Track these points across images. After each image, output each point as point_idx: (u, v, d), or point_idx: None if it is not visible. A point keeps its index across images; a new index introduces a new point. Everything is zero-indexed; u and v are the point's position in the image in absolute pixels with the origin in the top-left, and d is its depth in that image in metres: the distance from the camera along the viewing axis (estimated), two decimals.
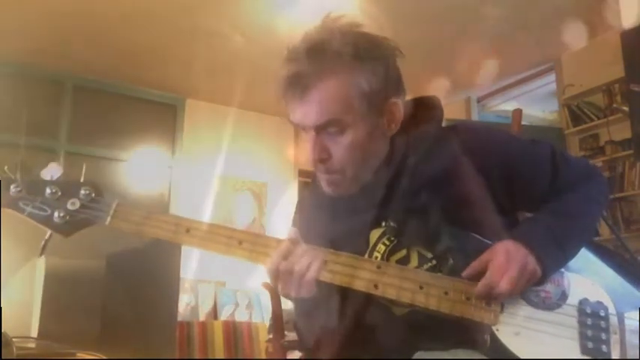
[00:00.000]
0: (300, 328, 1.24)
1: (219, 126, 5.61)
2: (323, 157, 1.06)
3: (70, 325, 1.92)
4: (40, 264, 2.01)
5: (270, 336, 3.62)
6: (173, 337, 2.57)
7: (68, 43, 4.70)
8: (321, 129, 1.05)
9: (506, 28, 4.36)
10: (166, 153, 5.74)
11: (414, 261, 1.09)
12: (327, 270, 1.00)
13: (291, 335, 3.08)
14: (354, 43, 1.05)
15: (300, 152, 5.95)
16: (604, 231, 3.37)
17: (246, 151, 5.87)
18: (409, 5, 4.09)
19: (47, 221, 1.03)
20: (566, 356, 1.00)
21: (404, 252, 1.10)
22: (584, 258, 1.10)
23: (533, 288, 1.02)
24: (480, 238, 1.04)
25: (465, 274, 1.00)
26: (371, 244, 1.11)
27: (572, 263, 1.07)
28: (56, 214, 1.03)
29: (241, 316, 5.22)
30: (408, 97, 1.15)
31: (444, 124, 1.16)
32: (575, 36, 4.42)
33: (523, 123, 2.99)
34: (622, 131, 4.29)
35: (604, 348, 1.02)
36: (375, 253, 1.10)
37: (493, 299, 0.99)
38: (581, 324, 1.02)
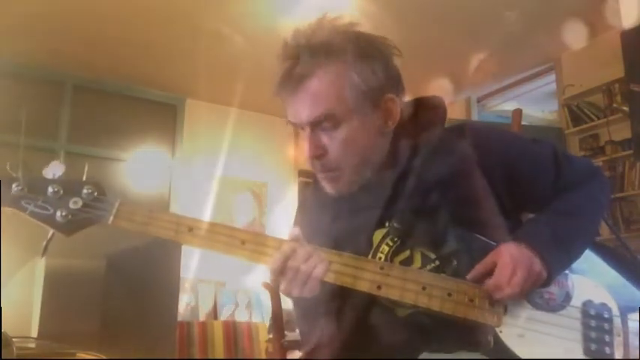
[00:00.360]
0: (301, 329, 1.23)
1: (219, 126, 5.60)
2: (318, 154, 1.06)
3: (70, 325, 1.92)
4: (40, 264, 2.01)
5: (270, 336, 3.62)
6: (173, 337, 2.57)
7: (68, 43, 4.69)
8: (315, 125, 1.05)
9: (507, 29, 4.35)
10: (166, 153, 5.74)
11: (418, 262, 1.09)
12: (330, 270, 0.99)
13: (291, 335, 3.08)
14: (347, 38, 1.05)
15: (300, 152, 5.94)
16: (604, 231, 3.36)
17: (246, 151, 5.87)
18: (410, 6, 4.08)
19: (49, 220, 1.02)
20: (569, 358, 1.00)
21: (407, 253, 1.09)
22: (588, 259, 1.09)
23: (538, 289, 1.02)
24: (484, 239, 1.04)
25: (469, 276, 1.00)
26: (374, 245, 1.11)
27: (576, 265, 1.07)
28: (58, 213, 1.02)
29: (241, 316, 5.22)
30: (409, 97, 1.15)
31: (445, 124, 1.16)
32: (575, 36, 4.41)
33: (523, 123, 2.99)
34: (622, 131, 4.28)
35: (607, 350, 1.02)
36: (379, 254, 1.10)
37: (499, 301, 0.99)
38: (585, 326, 1.02)
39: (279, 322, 3.10)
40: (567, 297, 1.04)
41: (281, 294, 1.07)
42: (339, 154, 1.06)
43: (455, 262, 1.03)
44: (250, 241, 1.02)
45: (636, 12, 3.50)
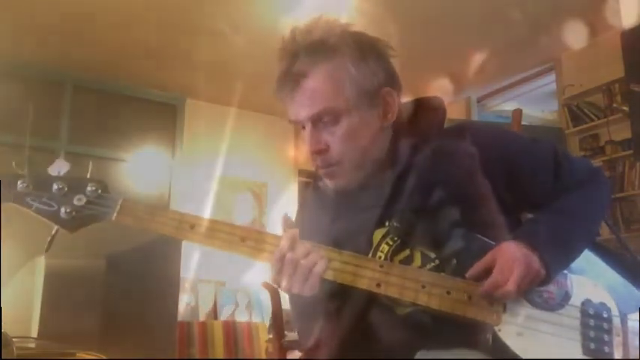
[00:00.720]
0: (299, 328, 1.24)
1: (219, 126, 5.60)
2: (320, 149, 1.07)
3: (70, 325, 1.92)
4: (40, 264, 2.01)
5: (270, 336, 3.63)
6: (173, 337, 2.57)
7: (68, 43, 4.70)
8: (315, 121, 1.07)
9: (507, 29, 4.36)
10: (166, 153, 5.74)
11: (418, 261, 1.09)
12: (330, 268, 1.00)
13: (291, 335, 3.08)
14: (343, 36, 1.08)
15: (300, 152, 5.95)
16: (604, 231, 3.36)
17: (246, 151, 5.87)
18: (410, 6, 4.09)
19: (54, 217, 1.03)
20: (568, 357, 1.00)
21: (407, 252, 1.10)
22: (587, 259, 1.09)
23: (536, 288, 1.02)
24: (484, 239, 1.03)
25: (468, 274, 1.00)
26: (374, 244, 1.11)
27: (575, 264, 1.07)
28: (63, 209, 1.03)
29: (241, 316, 5.22)
30: (409, 98, 1.16)
31: (445, 124, 1.16)
32: (575, 36, 4.42)
33: (523, 123, 2.99)
34: (622, 131, 4.29)
35: (606, 349, 1.01)
36: (379, 253, 1.10)
37: (498, 300, 0.99)
38: (584, 325, 1.02)
39: (279, 322, 3.10)
40: (566, 296, 1.04)
41: (281, 293, 1.08)
42: (340, 149, 1.07)
43: (454, 261, 1.03)
44: (250, 238, 1.03)
45: (636, 12, 3.50)
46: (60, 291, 1.98)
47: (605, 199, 1.19)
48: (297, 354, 3.02)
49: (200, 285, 5.23)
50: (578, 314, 1.03)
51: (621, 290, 1.08)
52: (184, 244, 2.30)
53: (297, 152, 6.04)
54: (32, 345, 1.76)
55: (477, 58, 4.69)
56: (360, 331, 1.09)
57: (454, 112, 5.38)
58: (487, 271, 0.99)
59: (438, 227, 1.06)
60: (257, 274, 4.54)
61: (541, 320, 1.01)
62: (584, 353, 1.01)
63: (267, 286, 3.27)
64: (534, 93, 5.58)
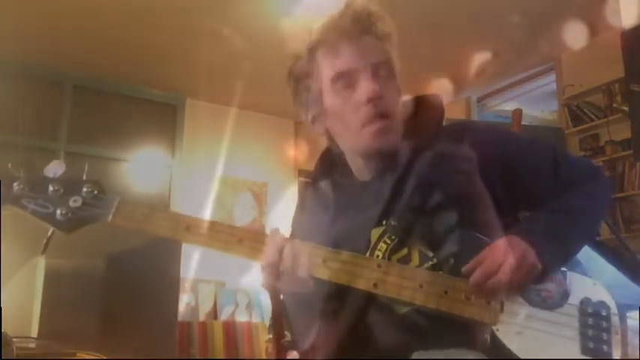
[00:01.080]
0: (295, 328, 1.24)
1: (219, 126, 5.60)
2: (380, 94, 1.08)
3: (70, 325, 1.92)
4: (40, 264, 2.01)
5: (270, 336, 3.62)
6: (173, 337, 2.57)
7: (68, 43, 4.70)
8: (375, 69, 1.10)
9: (506, 29, 4.36)
10: (166, 153, 5.74)
11: (415, 260, 1.09)
12: (327, 268, 1.00)
13: (291, 335, 3.07)
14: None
15: (300, 152, 5.95)
16: (604, 231, 3.36)
17: (246, 151, 5.87)
18: (410, 6, 4.08)
19: (50, 218, 1.04)
20: (567, 356, 1.00)
21: (405, 251, 1.09)
22: (586, 257, 1.09)
23: (535, 287, 1.02)
24: (483, 237, 1.03)
25: (464, 270, 1.00)
26: (372, 243, 1.11)
27: (574, 263, 1.07)
28: (58, 211, 1.04)
29: (241, 316, 5.22)
30: (409, 96, 1.16)
31: (444, 123, 1.16)
32: (575, 36, 4.41)
33: (523, 123, 2.99)
34: (622, 131, 4.28)
35: (605, 348, 1.01)
36: (377, 252, 1.10)
37: (490, 290, 0.98)
38: (583, 324, 1.02)
39: (279, 322, 3.10)
40: (565, 295, 1.03)
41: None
42: (394, 102, 1.11)
43: (452, 261, 1.03)
44: (248, 239, 1.04)
45: (636, 12, 3.49)
46: (60, 291, 1.98)
47: (605, 198, 1.19)
48: (297, 354, 3.01)
49: (200, 285, 5.22)
50: (577, 313, 1.03)
51: (620, 289, 1.08)
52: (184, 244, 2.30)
53: (297, 152, 6.03)
54: (32, 345, 1.76)
55: (477, 58, 4.68)
56: (359, 331, 1.09)
57: (454, 112, 5.37)
58: None
59: (436, 226, 1.06)
60: (257, 274, 4.53)
61: (540, 319, 1.01)
62: (583, 352, 1.00)
63: None
64: (534, 93, 5.58)
